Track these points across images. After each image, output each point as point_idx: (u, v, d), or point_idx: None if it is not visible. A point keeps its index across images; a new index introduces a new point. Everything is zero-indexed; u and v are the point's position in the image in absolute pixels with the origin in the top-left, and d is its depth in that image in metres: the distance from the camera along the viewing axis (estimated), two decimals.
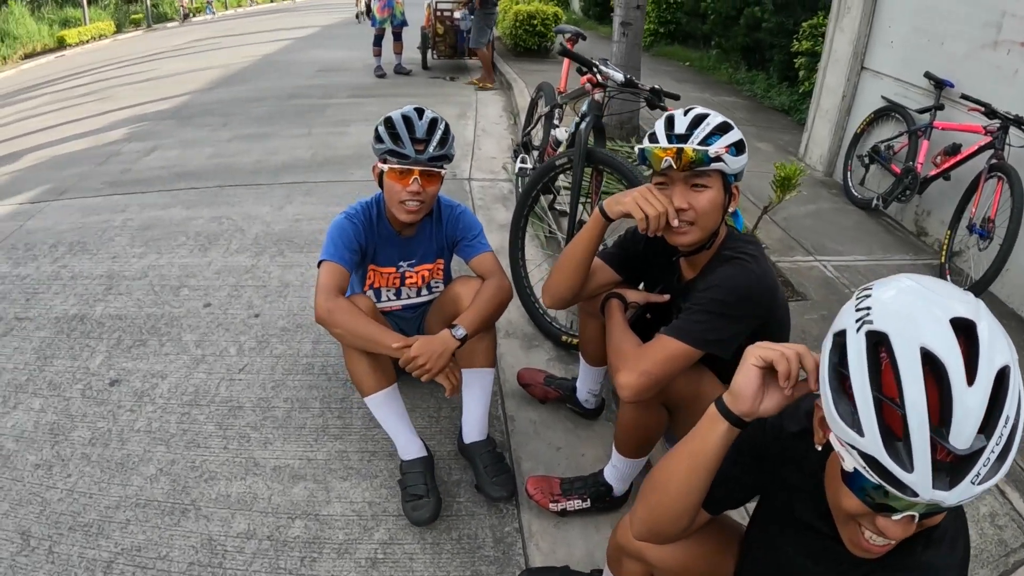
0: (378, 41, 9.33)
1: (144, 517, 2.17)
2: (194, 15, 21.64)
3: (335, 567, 1.98)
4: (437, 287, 2.52)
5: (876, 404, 0.86)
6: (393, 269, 2.42)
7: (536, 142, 4.23)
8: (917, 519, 0.91)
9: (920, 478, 0.83)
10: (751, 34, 8.36)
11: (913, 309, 0.88)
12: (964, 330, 0.85)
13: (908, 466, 0.83)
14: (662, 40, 11.29)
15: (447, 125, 2.24)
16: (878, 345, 0.88)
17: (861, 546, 1.00)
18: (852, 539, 1.02)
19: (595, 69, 3.00)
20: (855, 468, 0.90)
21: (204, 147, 6.27)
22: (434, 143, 2.16)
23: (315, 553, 2.03)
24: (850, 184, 4.91)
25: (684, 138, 1.63)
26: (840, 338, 0.92)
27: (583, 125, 2.97)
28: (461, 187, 4.93)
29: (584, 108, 3.08)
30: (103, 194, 5.17)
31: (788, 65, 7.29)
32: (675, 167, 1.61)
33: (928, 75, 4.21)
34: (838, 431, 0.91)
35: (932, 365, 0.83)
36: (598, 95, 2.99)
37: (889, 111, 4.65)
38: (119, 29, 21.06)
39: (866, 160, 4.78)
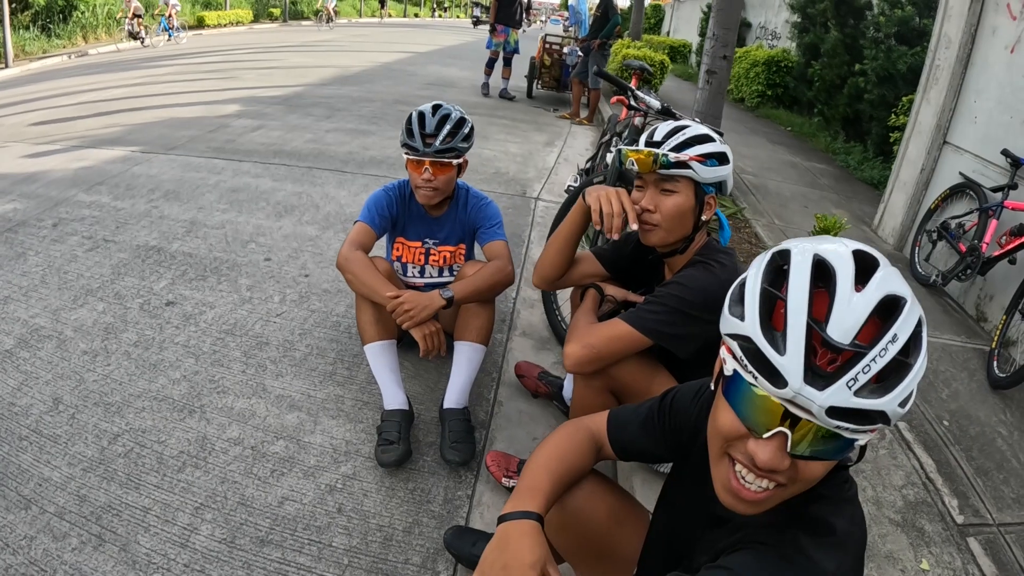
0: (491, 64, 10.24)
1: (157, 408, 2.58)
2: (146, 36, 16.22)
3: (297, 484, 2.29)
4: (458, 270, 2.85)
5: (763, 295, 0.91)
6: (419, 243, 2.79)
7: None
8: (789, 446, 0.88)
9: (791, 363, 0.84)
10: (853, 104, 8.44)
11: (822, 241, 0.94)
12: (864, 259, 0.90)
13: (782, 348, 0.86)
14: (769, 102, 11.48)
15: (460, 121, 2.59)
16: (782, 258, 0.93)
17: (732, 489, 0.98)
18: (724, 482, 1.00)
19: (629, 93, 3.31)
20: (734, 370, 0.93)
21: (305, 133, 6.92)
22: (441, 137, 2.52)
23: (285, 469, 2.34)
24: (916, 260, 4.86)
25: (658, 144, 1.81)
26: (754, 267, 0.97)
27: (620, 147, 3.31)
28: (528, 205, 5.27)
29: (624, 130, 3.40)
30: (205, 156, 5.84)
31: (885, 139, 7.28)
32: (638, 169, 1.82)
33: (1005, 152, 4.18)
34: (725, 328, 0.95)
35: (822, 271, 0.89)
36: (637, 120, 3.32)
37: (964, 188, 4.61)
38: (256, 19, 23.03)
39: (934, 236, 4.72)
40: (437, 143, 2.52)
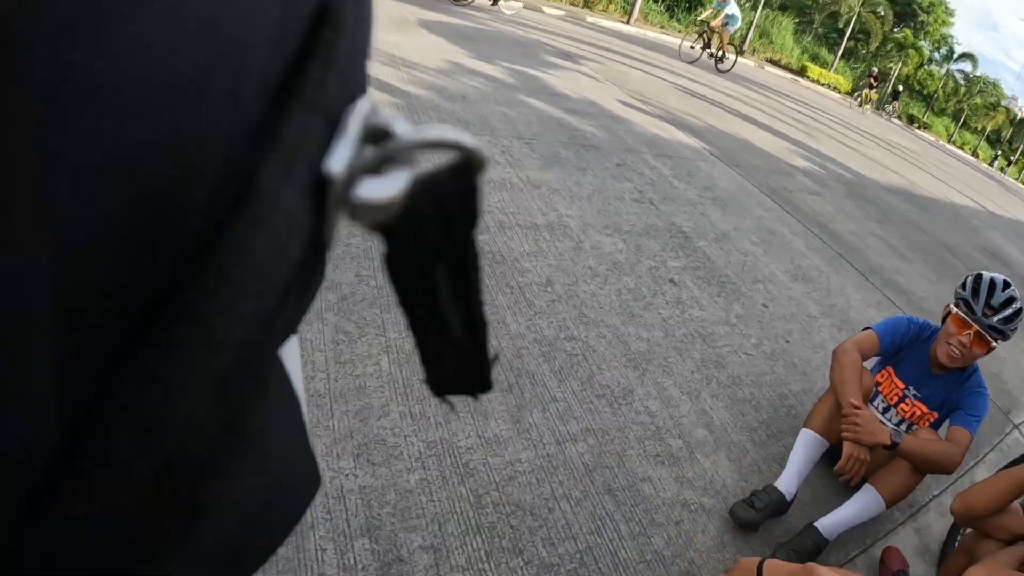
0: None
1: (614, 344, 3.04)
2: None
3: (665, 479, 2.48)
4: (915, 430, 2.76)
5: None
6: (903, 385, 2.80)
7: None
8: None
9: None
10: None
11: None
12: None
13: None
14: None
15: (1020, 311, 2.61)
16: None
17: None
18: None
19: None
20: None
21: (851, 223, 6.92)
22: (1000, 316, 2.57)
23: (666, 462, 2.56)
24: None
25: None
26: None
27: None
28: (1003, 425, 4.58)
29: None
30: (759, 188, 6.30)
31: None
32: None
33: None
34: None
35: None
36: None
37: None
38: (851, 93, 23.34)
39: None
40: (994, 319, 2.58)
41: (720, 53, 16.14)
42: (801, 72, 22.16)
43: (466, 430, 2.32)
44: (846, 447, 2.45)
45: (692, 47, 16.50)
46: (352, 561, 1.84)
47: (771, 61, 22.37)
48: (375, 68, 5.62)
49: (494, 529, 2.06)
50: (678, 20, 18.88)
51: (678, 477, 2.56)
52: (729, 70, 16.08)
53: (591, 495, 2.28)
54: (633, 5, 18.02)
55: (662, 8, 20.81)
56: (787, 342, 3.87)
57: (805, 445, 2.66)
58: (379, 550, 1.89)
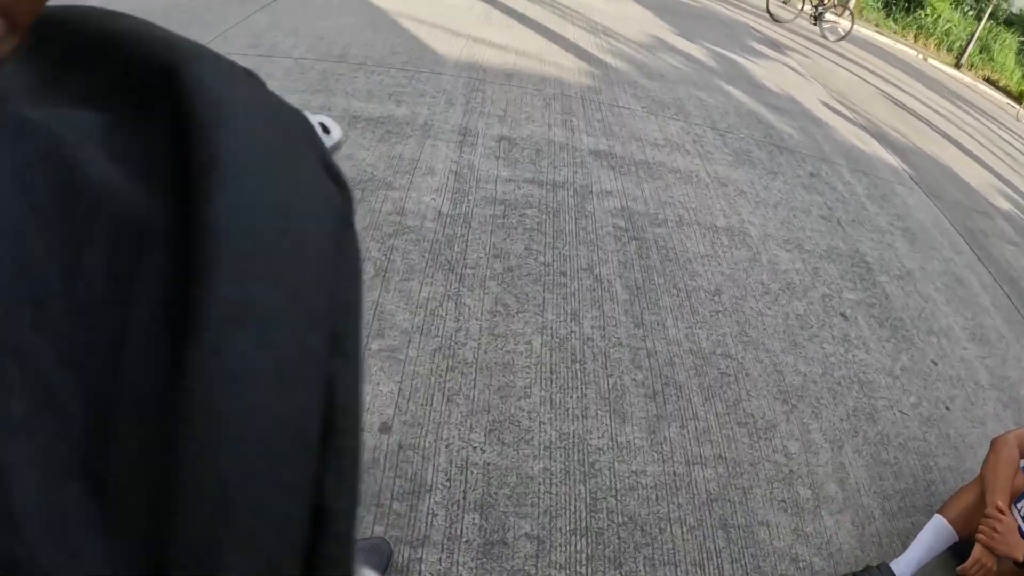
0: None
1: (767, 374, 2.88)
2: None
3: (781, 526, 2.37)
4: None
5: None
6: None
7: None
8: None
9: None
10: None
11: None
12: None
13: None
14: None
15: None
16: None
17: None
18: None
19: None
20: None
21: None
22: None
23: (788, 509, 2.44)
24: None
25: None
26: None
27: None
28: None
29: None
30: (957, 229, 5.73)
31: None
32: None
33: None
34: None
35: None
36: None
37: None
38: None
39: None
40: None
41: (818, 9, 12.60)
42: (1021, 98, 20.03)
43: (600, 429, 2.27)
44: (976, 550, 2.25)
45: (785, 1, 13.65)
46: (459, 532, 1.85)
47: (988, 80, 20.29)
48: (572, 31, 5.50)
49: (601, 536, 2.03)
50: (894, 20, 17.42)
51: (796, 529, 2.43)
52: (835, 36, 12.46)
53: (705, 525, 2.21)
54: None
55: (879, 5, 19.38)
56: (947, 409, 3.55)
57: (934, 532, 2.46)
58: (487, 528, 1.89)
